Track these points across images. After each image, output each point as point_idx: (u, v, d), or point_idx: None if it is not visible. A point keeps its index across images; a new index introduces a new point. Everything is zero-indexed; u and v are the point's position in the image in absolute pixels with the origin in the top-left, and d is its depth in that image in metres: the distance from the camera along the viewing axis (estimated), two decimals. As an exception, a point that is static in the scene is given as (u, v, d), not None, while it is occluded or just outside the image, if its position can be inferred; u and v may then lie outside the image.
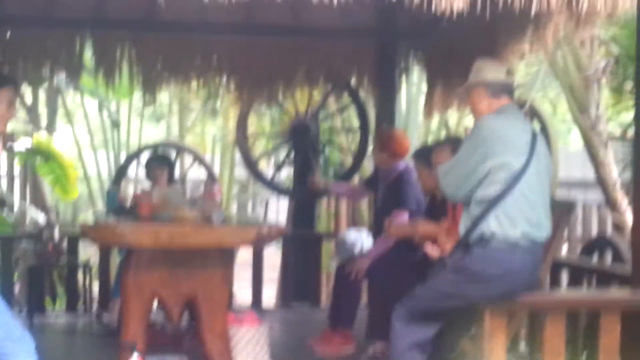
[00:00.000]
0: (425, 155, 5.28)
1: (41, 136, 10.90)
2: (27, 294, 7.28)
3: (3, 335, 3.37)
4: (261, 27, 7.36)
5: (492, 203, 4.03)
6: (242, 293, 8.59)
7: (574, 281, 5.82)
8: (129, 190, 8.15)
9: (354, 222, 10.10)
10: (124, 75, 7.61)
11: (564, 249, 8.04)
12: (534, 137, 4.19)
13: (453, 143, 4.95)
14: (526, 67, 10.31)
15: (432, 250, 4.64)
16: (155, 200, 5.31)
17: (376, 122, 7.75)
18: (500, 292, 4.09)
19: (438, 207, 5.26)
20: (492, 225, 4.02)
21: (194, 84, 7.93)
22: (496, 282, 4.06)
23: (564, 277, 5.94)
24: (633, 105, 4.83)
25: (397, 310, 4.34)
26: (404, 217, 5.74)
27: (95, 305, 7.51)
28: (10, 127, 15.05)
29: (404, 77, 8.20)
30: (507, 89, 4.36)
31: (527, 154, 4.11)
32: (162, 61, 7.58)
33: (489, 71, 4.36)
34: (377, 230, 6.04)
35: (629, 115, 8.74)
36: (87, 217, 6.14)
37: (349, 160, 9.10)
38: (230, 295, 5.96)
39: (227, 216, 5.30)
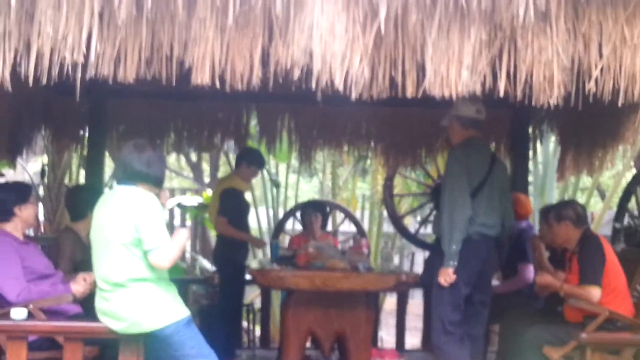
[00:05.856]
0: (545, 213, 5.87)
1: (209, 193, 12.02)
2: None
3: (196, 352, 4.40)
4: (405, 100, 8.08)
5: None
6: (390, 339, 9.33)
7: None
8: (285, 242, 8.99)
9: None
10: (284, 141, 8.64)
11: None
12: (493, 161, 5.42)
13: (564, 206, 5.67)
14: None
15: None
16: (311, 251, 6.21)
17: (512, 182, 8.27)
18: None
19: (557, 260, 5.90)
20: None
21: (345, 148, 8.82)
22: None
23: None
24: None
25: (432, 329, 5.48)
26: (530, 269, 6.40)
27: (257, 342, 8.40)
28: (180, 183, 16.24)
29: (539, 141, 8.66)
30: (475, 124, 5.46)
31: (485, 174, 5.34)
32: (318, 129, 8.56)
33: (462, 107, 5.42)
34: (504, 278, 6.74)
35: None
36: (251, 264, 7.01)
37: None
38: (375, 334, 6.73)
39: (371, 266, 6.12)
